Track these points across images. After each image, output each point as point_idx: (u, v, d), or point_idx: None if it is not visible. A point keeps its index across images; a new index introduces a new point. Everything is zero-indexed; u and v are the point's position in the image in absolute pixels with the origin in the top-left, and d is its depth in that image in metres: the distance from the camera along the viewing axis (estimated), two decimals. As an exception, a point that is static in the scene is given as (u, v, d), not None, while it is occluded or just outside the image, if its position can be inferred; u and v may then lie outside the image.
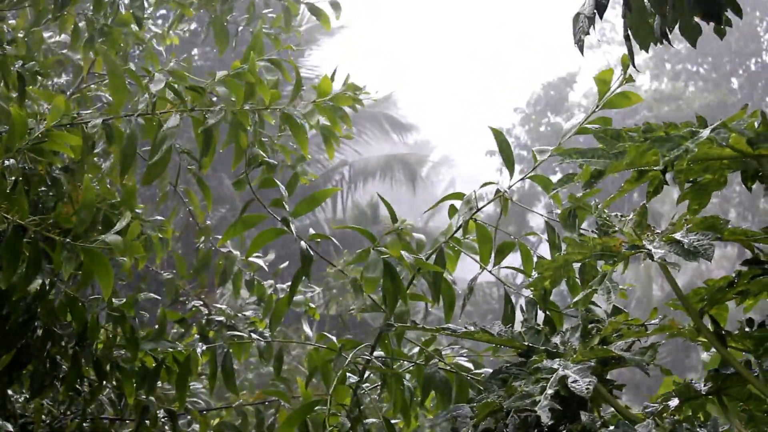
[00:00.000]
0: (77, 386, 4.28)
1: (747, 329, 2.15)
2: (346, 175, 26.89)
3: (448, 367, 3.68)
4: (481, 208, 3.55)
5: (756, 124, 2.10)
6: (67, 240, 3.68)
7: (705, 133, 2.11)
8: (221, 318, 4.50)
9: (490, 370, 3.72)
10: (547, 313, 3.41)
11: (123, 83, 4.11)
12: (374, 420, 3.75)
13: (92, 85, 5.26)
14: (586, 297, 2.20)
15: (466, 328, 2.32)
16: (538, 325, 2.34)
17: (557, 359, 2.19)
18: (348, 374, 3.76)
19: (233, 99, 4.15)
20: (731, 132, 2.11)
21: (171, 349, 4.20)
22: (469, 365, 3.67)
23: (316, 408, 3.77)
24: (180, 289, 4.83)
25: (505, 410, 2.20)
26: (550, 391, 2.08)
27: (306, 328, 4.45)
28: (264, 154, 4.03)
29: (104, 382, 4.27)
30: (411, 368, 3.75)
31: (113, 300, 4.11)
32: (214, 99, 4.25)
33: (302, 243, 3.86)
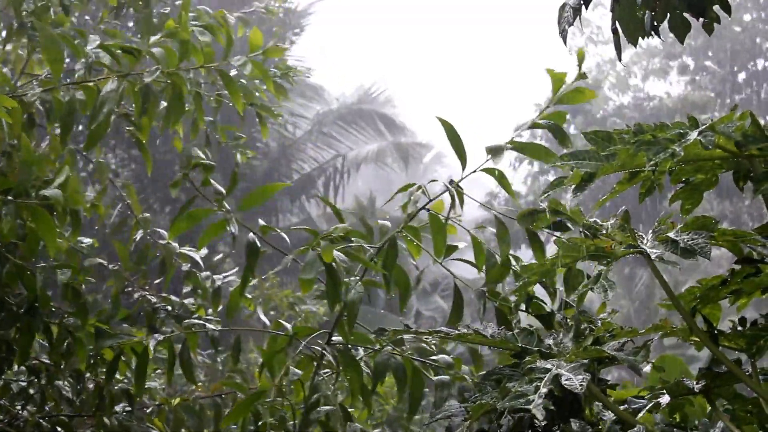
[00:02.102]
0: (35, 375, 4.21)
1: (740, 328, 2.19)
2: (338, 167, 26.42)
3: (406, 353, 3.68)
4: (430, 203, 3.56)
5: (746, 126, 2.14)
6: (9, 198, 3.69)
7: (692, 135, 2.13)
8: (168, 307, 4.43)
9: (448, 357, 3.75)
10: (497, 306, 3.46)
11: (59, 52, 4.09)
12: (330, 407, 3.72)
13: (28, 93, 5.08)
14: (581, 297, 2.22)
15: (459, 330, 2.32)
16: (531, 326, 2.35)
17: (550, 359, 2.21)
18: (291, 368, 3.73)
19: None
20: (718, 134, 2.14)
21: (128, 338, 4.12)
22: (431, 348, 3.67)
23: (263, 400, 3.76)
24: (125, 281, 4.73)
25: (499, 411, 2.22)
26: (543, 390, 2.09)
27: (262, 316, 4.40)
28: (201, 156, 3.97)
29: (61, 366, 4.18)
30: (370, 353, 3.74)
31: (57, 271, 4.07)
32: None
33: (250, 235, 3.81)
